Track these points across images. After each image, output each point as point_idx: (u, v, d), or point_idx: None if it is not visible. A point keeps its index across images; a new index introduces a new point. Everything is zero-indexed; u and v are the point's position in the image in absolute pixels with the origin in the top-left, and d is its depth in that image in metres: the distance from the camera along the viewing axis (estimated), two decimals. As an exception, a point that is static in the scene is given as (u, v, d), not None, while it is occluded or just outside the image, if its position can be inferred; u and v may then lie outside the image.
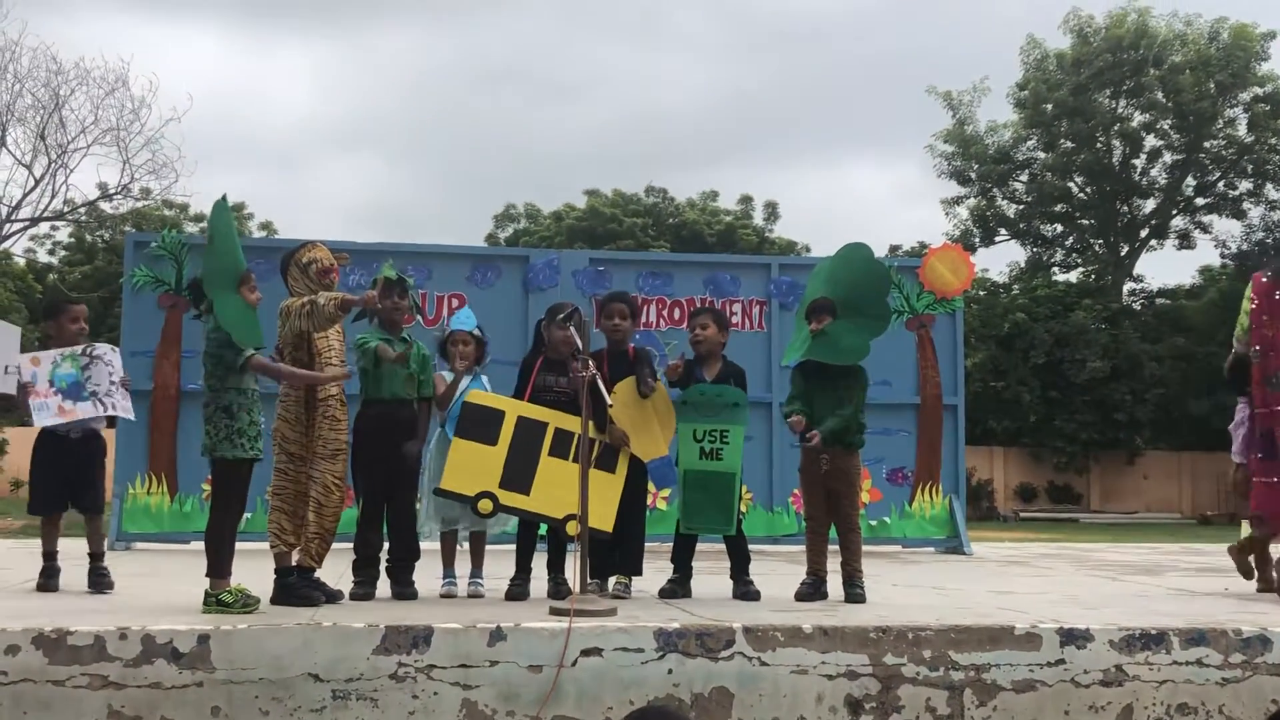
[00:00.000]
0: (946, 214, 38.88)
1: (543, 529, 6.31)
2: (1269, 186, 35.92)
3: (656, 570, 6.59)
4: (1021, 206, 38.23)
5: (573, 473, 5.81)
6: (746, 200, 42.80)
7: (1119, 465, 34.16)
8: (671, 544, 6.60)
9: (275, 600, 5.57)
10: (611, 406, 5.93)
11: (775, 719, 4.94)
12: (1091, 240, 38.57)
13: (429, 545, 6.40)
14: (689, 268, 11.76)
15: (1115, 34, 35.25)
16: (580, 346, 5.86)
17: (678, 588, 6.38)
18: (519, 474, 5.98)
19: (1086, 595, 7.17)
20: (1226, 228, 37.29)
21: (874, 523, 10.99)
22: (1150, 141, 36.57)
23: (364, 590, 6.03)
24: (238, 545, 5.59)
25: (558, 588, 6.13)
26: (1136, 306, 37.58)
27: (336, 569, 6.19)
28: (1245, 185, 36.39)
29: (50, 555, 6.51)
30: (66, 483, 6.53)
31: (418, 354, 6.22)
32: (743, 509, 6.55)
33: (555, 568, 6.27)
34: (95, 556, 6.44)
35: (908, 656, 5.08)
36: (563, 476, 5.93)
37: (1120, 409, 32.75)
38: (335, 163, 79.56)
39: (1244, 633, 5.35)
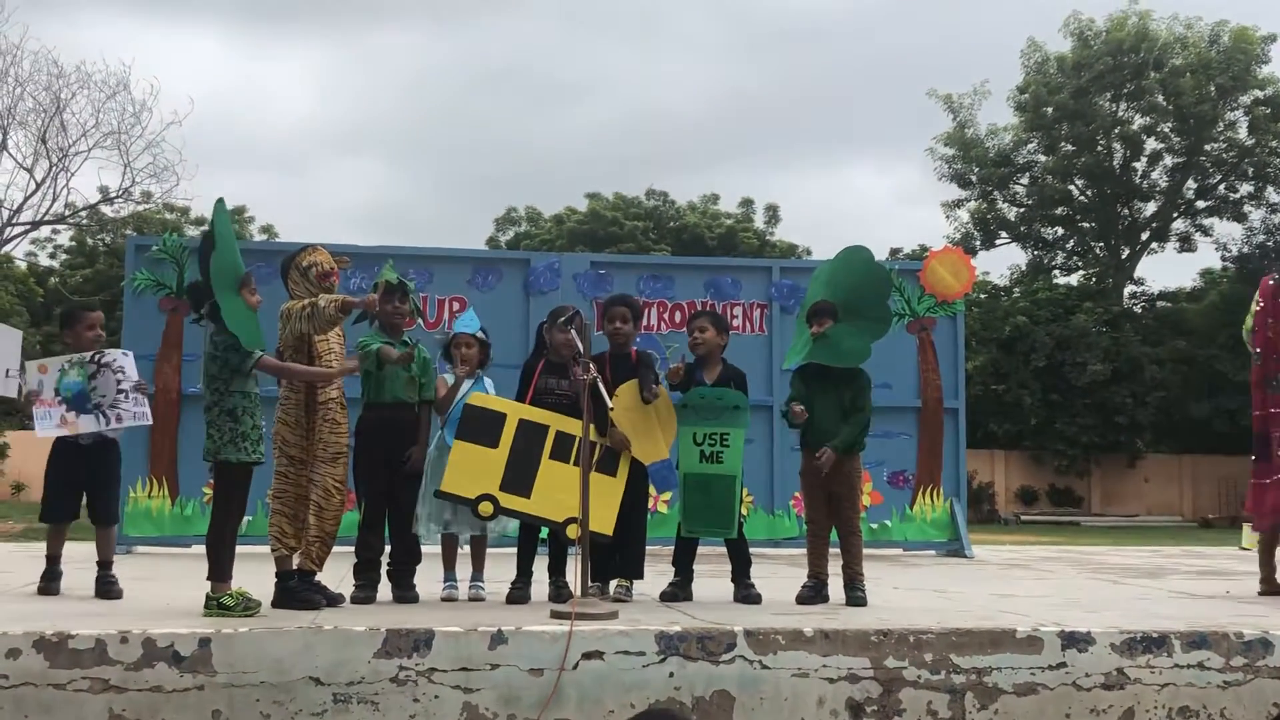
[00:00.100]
0: (947, 217, 38.98)
1: (544, 532, 6.31)
2: (1270, 189, 35.96)
3: (658, 573, 6.59)
4: (1022, 209, 38.26)
5: (574, 476, 5.81)
6: (747, 203, 42.84)
7: (1120, 468, 34.16)
8: (673, 547, 6.60)
9: (276, 604, 5.56)
10: (612, 410, 5.94)
11: (776, 722, 4.93)
12: (1092, 243, 38.60)
13: (430, 549, 6.40)
14: (690, 271, 11.77)
15: (1116, 37, 35.28)
16: (581, 350, 5.86)
17: (679, 591, 6.38)
18: (520, 477, 5.98)
19: (1088, 598, 7.17)
20: (1227, 231, 37.37)
21: (875, 526, 10.98)
22: (1151, 144, 36.62)
23: (365, 594, 6.03)
24: (238, 549, 5.58)
25: (559, 591, 6.13)
26: (1137, 309, 37.59)
27: (337, 572, 6.19)
28: (1246, 188, 36.43)
29: (53, 559, 6.50)
30: (79, 491, 6.51)
31: (419, 357, 6.22)
32: (744, 512, 6.55)
33: (556, 571, 6.26)
34: (104, 565, 6.41)
35: (909, 660, 5.08)
36: (564, 479, 5.93)
37: (1121, 412, 32.76)
38: (336, 165, 79.68)
39: (1245, 636, 5.34)
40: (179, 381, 10.41)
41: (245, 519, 5.86)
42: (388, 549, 6.24)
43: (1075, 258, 39.40)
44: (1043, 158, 37.03)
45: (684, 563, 6.49)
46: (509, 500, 5.97)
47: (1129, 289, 37.99)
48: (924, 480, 11.39)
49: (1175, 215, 37.64)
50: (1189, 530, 27.82)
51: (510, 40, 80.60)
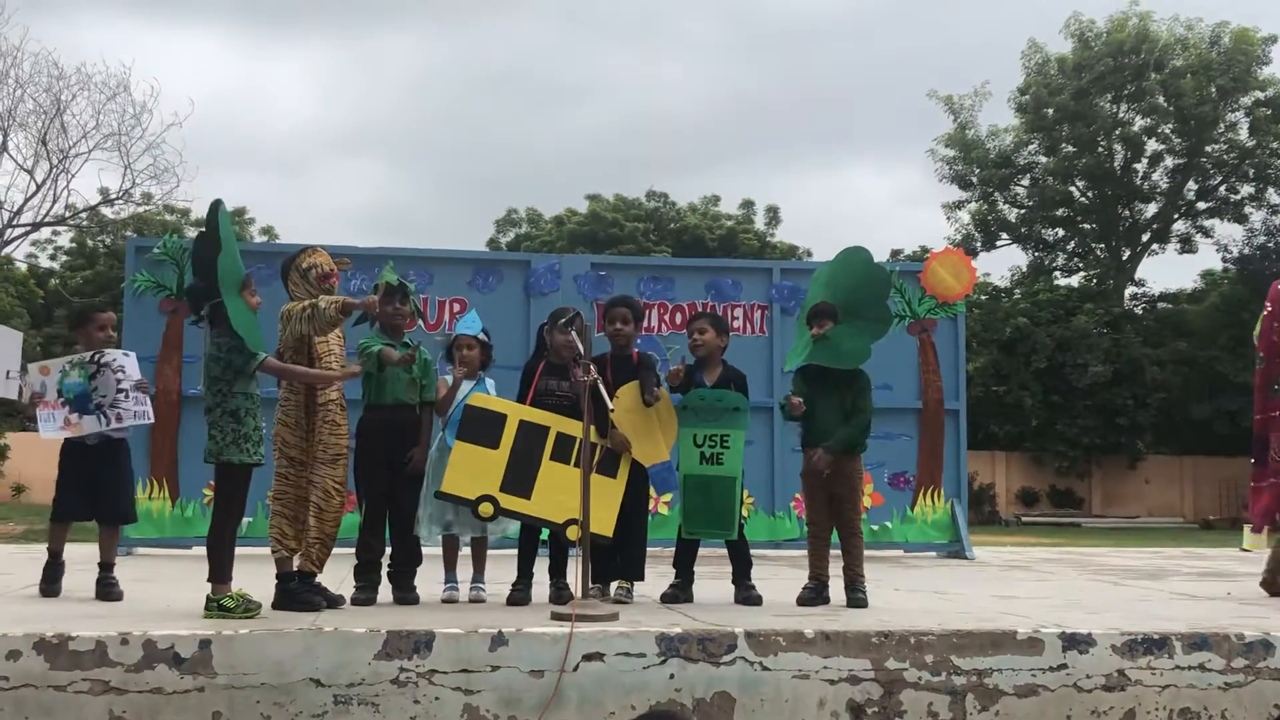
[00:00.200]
0: (948, 218, 38.99)
1: (544, 534, 6.31)
2: (1270, 190, 35.96)
3: (658, 575, 6.59)
4: (1023, 211, 38.27)
5: (574, 477, 5.81)
6: (748, 205, 42.86)
7: (1121, 470, 34.16)
8: (673, 549, 6.60)
9: (277, 605, 5.56)
10: (613, 411, 5.93)
11: (777, 724, 4.93)
12: (1093, 244, 38.61)
13: (430, 550, 6.39)
14: (690, 272, 11.77)
15: (1116, 38, 35.29)
16: (582, 351, 5.85)
17: (679, 592, 6.38)
18: (520, 478, 5.97)
19: (1088, 600, 7.16)
20: (1228, 232, 37.38)
21: (876, 527, 10.97)
22: (1152, 146, 36.64)
23: (365, 595, 6.02)
24: (239, 550, 5.58)
25: (559, 593, 6.13)
26: (1138, 311, 37.60)
27: (338, 574, 6.18)
28: (1247, 189, 36.44)
29: (55, 555, 6.50)
30: (87, 492, 6.50)
31: (420, 359, 6.22)
32: (744, 513, 6.55)
33: (557, 573, 6.26)
34: (105, 566, 6.40)
35: (910, 661, 5.07)
36: (564, 481, 5.92)
37: (1122, 413, 32.76)
38: (336, 167, 79.74)
39: (1246, 637, 5.34)
40: (179, 383, 10.41)
41: (245, 520, 5.86)
42: (388, 550, 6.24)
43: (1076, 259, 39.41)
44: (1043, 159, 37.04)
45: (685, 564, 6.49)
46: (509, 501, 5.97)
47: (1130, 290, 37.99)
48: (925, 482, 11.38)
49: (1176, 216, 37.64)
50: (1190, 532, 27.80)
51: (511, 42, 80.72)
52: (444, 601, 6.16)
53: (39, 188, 28.29)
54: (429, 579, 6.27)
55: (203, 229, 5.63)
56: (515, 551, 6.38)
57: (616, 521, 6.02)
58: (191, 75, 67.57)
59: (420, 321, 7.12)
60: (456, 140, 77.78)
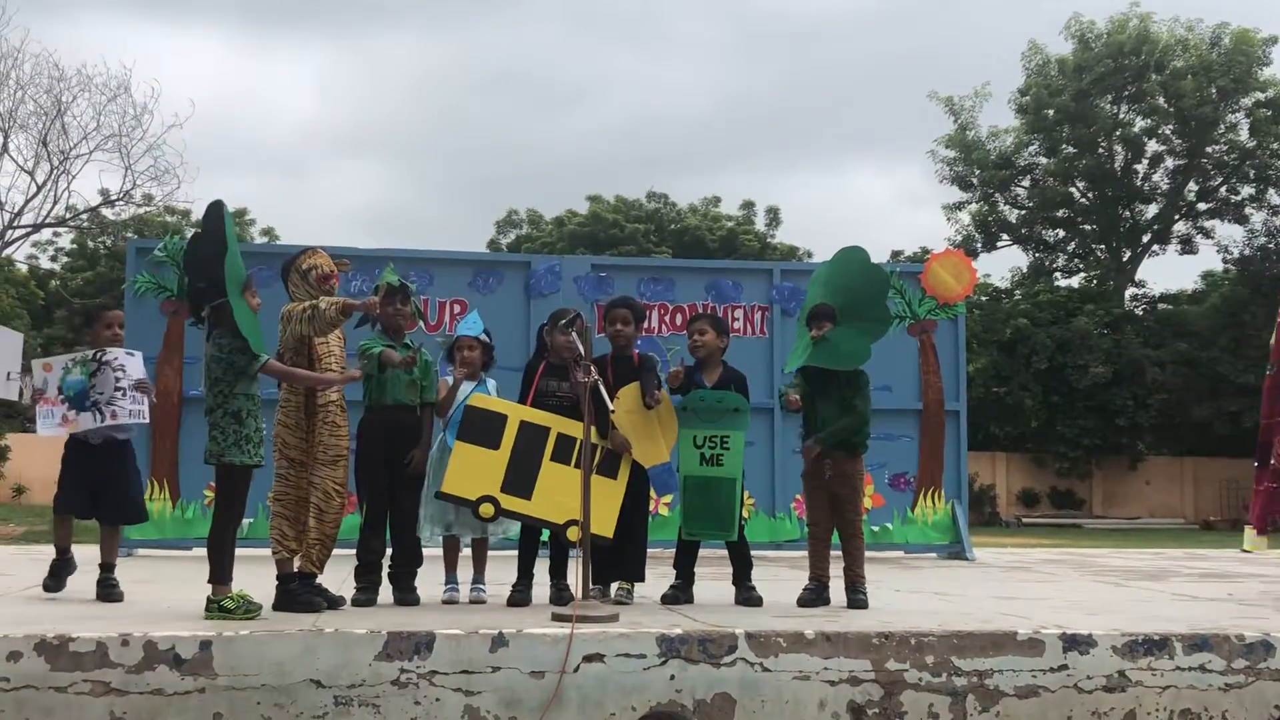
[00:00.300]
0: (948, 219, 38.99)
1: (545, 535, 6.31)
2: (1271, 191, 35.95)
3: (659, 576, 6.59)
4: (1023, 212, 38.27)
5: (574, 478, 5.81)
6: (748, 206, 42.88)
7: (1121, 470, 34.16)
8: (673, 550, 6.60)
9: (277, 606, 5.56)
10: (613, 412, 5.93)
11: (778, 725, 4.93)
12: (1093, 245, 38.61)
13: (431, 551, 6.39)
14: (691, 273, 11.78)
15: (1117, 39, 35.29)
16: (582, 352, 5.85)
17: (680, 593, 6.38)
18: (521, 479, 5.97)
19: (1089, 601, 7.16)
20: (1228, 233, 37.48)
21: (876, 528, 10.98)
22: (1152, 147, 36.64)
23: (366, 596, 6.02)
24: (239, 551, 5.58)
25: (560, 594, 6.13)
26: (1139, 312, 37.58)
27: (338, 575, 6.19)
28: (1247, 190, 36.43)
29: (63, 550, 6.50)
30: (87, 490, 6.49)
31: (421, 360, 6.22)
32: (745, 514, 6.54)
33: (557, 574, 6.26)
34: (106, 567, 6.41)
35: (910, 662, 5.07)
36: (564, 482, 5.92)
37: (1122, 414, 32.76)
38: (337, 168, 79.81)
39: (1247, 638, 5.34)
40: (180, 384, 10.41)
41: (246, 521, 5.86)
42: (389, 551, 6.24)
43: (1076, 260, 39.41)
44: (1044, 160, 37.04)
45: (685, 565, 6.49)
46: (510, 502, 5.97)
47: (1130, 291, 37.98)
48: (925, 483, 11.39)
49: (1176, 217, 37.63)
50: (1191, 532, 27.79)
51: (511, 43, 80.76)
52: (444, 602, 6.16)
53: (40, 189, 28.29)
54: (429, 580, 6.27)
55: (198, 229, 5.62)
56: (516, 552, 6.38)
57: (617, 522, 6.02)
58: (192, 76, 67.71)
59: (421, 322, 7.12)
60: (457, 141, 77.90)
